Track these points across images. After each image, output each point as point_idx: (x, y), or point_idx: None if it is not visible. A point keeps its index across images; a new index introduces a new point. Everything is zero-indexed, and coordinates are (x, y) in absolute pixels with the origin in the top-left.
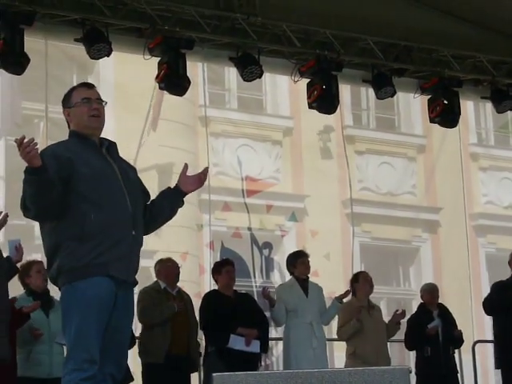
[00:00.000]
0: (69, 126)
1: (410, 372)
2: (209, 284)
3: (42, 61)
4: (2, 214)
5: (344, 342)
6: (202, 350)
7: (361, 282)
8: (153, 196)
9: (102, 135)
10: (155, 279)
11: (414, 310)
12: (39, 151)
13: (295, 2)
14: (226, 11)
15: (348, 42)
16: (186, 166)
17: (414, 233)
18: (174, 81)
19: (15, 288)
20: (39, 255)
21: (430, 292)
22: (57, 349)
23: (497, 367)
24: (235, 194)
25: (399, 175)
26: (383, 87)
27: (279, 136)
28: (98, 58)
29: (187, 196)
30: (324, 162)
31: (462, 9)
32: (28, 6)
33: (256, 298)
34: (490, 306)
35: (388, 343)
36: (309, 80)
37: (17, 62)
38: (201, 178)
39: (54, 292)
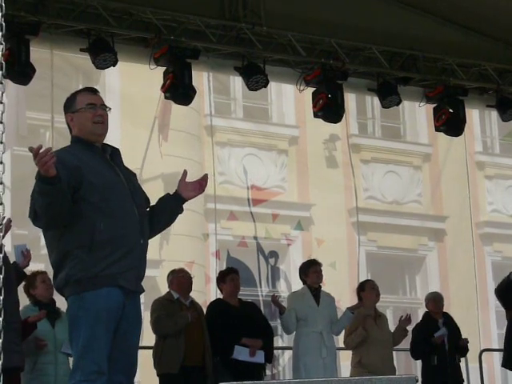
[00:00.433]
0: (70, 131)
1: (417, 381)
2: (215, 293)
3: (48, 71)
4: (5, 218)
5: (350, 351)
6: None
7: (367, 291)
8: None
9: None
10: (162, 288)
11: (420, 319)
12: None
13: (300, 11)
14: (231, 21)
15: (353, 50)
16: (185, 173)
17: (420, 241)
18: (179, 90)
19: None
20: (43, 265)
21: (435, 301)
22: (62, 359)
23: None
24: (241, 203)
25: (405, 184)
26: (388, 96)
27: (285, 145)
28: (103, 68)
29: (193, 205)
30: (330, 170)
31: (467, 18)
32: (34, 16)
33: (262, 307)
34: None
35: (394, 352)
36: (314, 89)
37: (22, 73)
38: (201, 184)
39: (60, 302)
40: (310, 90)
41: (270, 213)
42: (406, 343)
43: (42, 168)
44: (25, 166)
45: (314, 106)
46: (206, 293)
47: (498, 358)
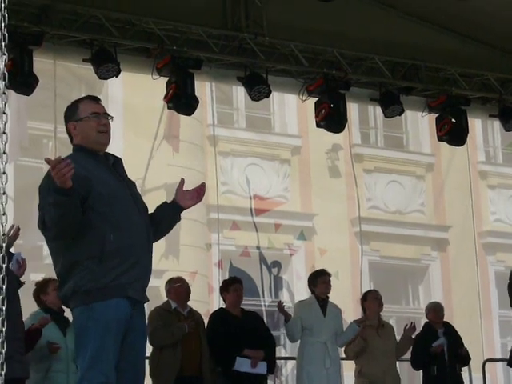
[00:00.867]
0: (72, 140)
1: None
2: (218, 303)
3: (51, 81)
4: (14, 226)
5: (353, 362)
6: None
7: (369, 301)
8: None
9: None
10: (164, 298)
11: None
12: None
13: (302, 21)
14: (233, 31)
15: (356, 60)
16: (182, 181)
17: (423, 251)
18: (182, 100)
19: (29, 305)
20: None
21: (436, 310)
22: (73, 368)
23: None
24: (244, 213)
25: (408, 193)
26: (391, 106)
27: (287, 155)
28: (106, 78)
29: (196, 215)
30: (332, 180)
31: (469, 27)
32: (37, 26)
33: (265, 317)
34: None
35: (398, 362)
36: (317, 99)
37: (26, 83)
38: (199, 192)
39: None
40: (313, 100)
41: (272, 223)
42: (409, 353)
43: (60, 179)
44: (27, 176)
45: (316, 116)
46: (208, 303)
47: (501, 367)
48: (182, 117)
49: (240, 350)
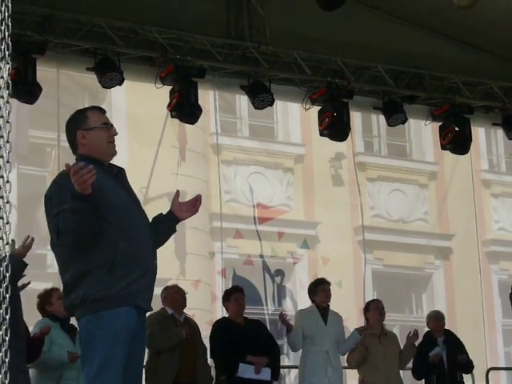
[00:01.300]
0: (75, 149)
1: None
2: (221, 312)
3: (54, 90)
4: (29, 238)
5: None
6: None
7: (371, 310)
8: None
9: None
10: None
11: None
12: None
13: (306, 30)
14: (237, 40)
15: (359, 69)
16: (177, 193)
17: (427, 260)
18: (185, 109)
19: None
20: (51, 284)
21: (437, 319)
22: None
23: None
24: (247, 222)
25: (411, 202)
26: (394, 114)
27: (291, 163)
28: (109, 87)
29: (199, 224)
30: (335, 189)
31: (473, 36)
32: (40, 35)
33: (268, 326)
34: None
35: (401, 371)
36: (320, 107)
37: (29, 92)
38: (194, 205)
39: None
40: (316, 109)
41: (275, 231)
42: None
43: (82, 185)
44: (30, 185)
45: (319, 125)
46: (211, 311)
47: (504, 376)
48: (186, 125)
49: (243, 357)
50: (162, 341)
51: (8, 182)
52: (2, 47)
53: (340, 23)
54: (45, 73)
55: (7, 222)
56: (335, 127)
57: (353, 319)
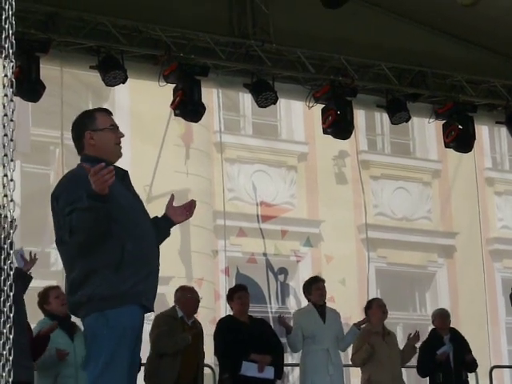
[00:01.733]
0: (81, 148)
1: None
2: (224, 310)
3: (58, 88)
4: (34, 254)
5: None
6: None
7: (374, 309)
8: None
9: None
10: (171, 305)
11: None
12: (57, 176)
13: (309, 28)
14: (240, 38)
15: (362, 67)
16: (172, 197)
17: (430, 258)
18: (189, 107)
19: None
20: (54, 282)
21: (442, 317)
22: (82, 373)
23: None
24: (250, 220)
25: (414, 200)
26: (398, 112)
27: (294, 161)
28: (113, 85)
29: (202, 222)
30: (339, 187)
31: (476, 34)
32: (44, 33)
33: (272, 324)
34: None
35: (404, 369)
36: (323, 105)
37: (33, 90)
38: (188, 210)
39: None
40: (319, 107)
41: (279, 229)
42: (416, 360)
43: (101, 186)
44: (34, 183)
45: (323, 123)
46: (215, 309)
47: (508, 374)
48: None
49: (247, 355)
50: (167, 345)
51: (12, 180)
52: (6, 45)
53: (343, 21)
54: (48, 71)
55: (11, 221)
56: (339, 125)
57: (356, 317)
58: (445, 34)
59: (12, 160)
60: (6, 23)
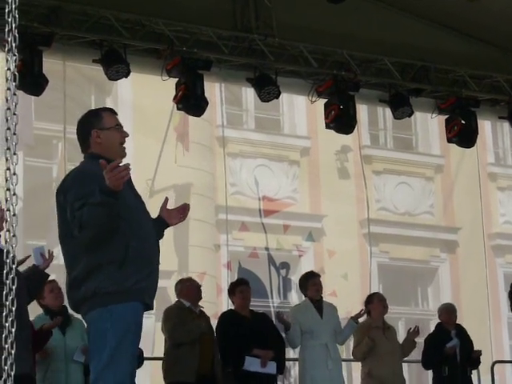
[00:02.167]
0: (86, 146)
1: None
2: (226, 304)
3: (61, 82)
4: (52, 252)
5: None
6: None
7: (375, 303)
8: None
9: None
10: (172, 299)
11: (432, 330)
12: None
13: (312, 22)
14: (243, 32)
15: (365, 62)
16: (166, 200)
17: (432, 253)
18: (191, 101)
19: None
20: (54, 275)
21: (448, 312)
22: (73, 367)
23: None
24: (252, 214)
25: (417, 195)
26: (400, 107)
27: (296, 156)
28: (116, 79)
29: (205, 216)
30: (341, 181)
31: (479, 29)
32: (46, 27)
33: (273, 319)
34: None
35: (405, 364)
36: (326, 100)
37: (35, 84)
38: (183, 212)
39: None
40: (322, 102)
41: (281, 224)
42: (417, 354)
43: (117, 182)
44: (37, 177)
45: (325, 117)
46: (217, 304)
47: (510, 369)
48: (191, 117)
49: (249, 350)
50: (183, 334)
51: (15, 173)
52: (9, 39)
53: (346, 16)
54: (51, 65)
55: (14, 214)
56: (341, 120)
57: (358, 312)
58: (448, 28)
59: (15, 153)
60: (8, 17)
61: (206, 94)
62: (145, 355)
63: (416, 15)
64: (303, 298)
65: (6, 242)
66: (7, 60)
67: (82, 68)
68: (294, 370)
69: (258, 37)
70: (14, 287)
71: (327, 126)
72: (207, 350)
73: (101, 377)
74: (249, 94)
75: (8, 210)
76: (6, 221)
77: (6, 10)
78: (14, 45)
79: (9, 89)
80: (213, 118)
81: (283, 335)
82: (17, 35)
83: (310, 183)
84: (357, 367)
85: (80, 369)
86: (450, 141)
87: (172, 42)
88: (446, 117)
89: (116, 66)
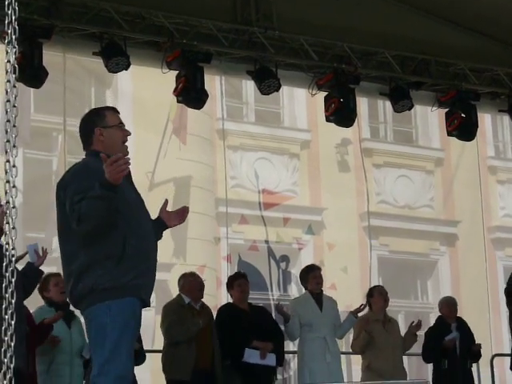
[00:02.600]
0: (89, 144)
1: None
2: (226, 297)
3: (61, 74)
4: (46, 249)
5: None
6: None
7: (375, 296)
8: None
9: None
10: (173, 292)
11: (432, 323)
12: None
13: (312, 15)
14: (243, 25)
15: (365, 55)
16: (166, 202)
17: (432, 246)
18: (191, 94)
19: (35, 300)
20: (55, 268)
21: (449, 305)
22: (77, 360)
23: None
24: (252, 207)
25: (417, 188)
26: (401, 100)
27: (297, 149)
28: (116, 72)
29: (205, 209)
30: (341, 174)
31: (479, 23)
32: (46, 19)
33: (273, 312)
34: None
35: (406, 357)
36: (326, 93)
37: (35, 76)
38: (182, 215)
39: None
40: (322, 94)
41: (281, 217)
42: (418, 348)
43: (117, 175)
44: (36, 169)
45: (326, 110)
46: (217, 297)
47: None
48: (191, 110)
49: (248, 343)
50: (180, 333)
51: (14, 166)
52: (9, 31)
53: (347, 9)
54: (51, 57)
55: (14, 207)
56: (341, 113)
57: (358, 305)
58: (448, 21)
59: (14, 146)
60: (8, 9)
61: (206, 87)
62: (145, 348)
63: (416, 8)
64: (303, 290)
65: (5, 234)
66: (7, 52)
67: (82, 60)
68: (293, 362)
69: (258, 29)
70: (13, 280)
71: (327, 119)
72: (206, 346)
73: (102, 371)
74: (249, 86)
75: (8, 202)
76: (6, 213)
77: (6, 2)
78: (13, 37)
79: (8, 81)
80: (213, 111)
81: (282, 327)
82: (17, 27)
83: (310, 176)
84: (356, 360)
85: (82, 362)
86: (450, 134)
87: (172, 34)
88: (446, 110)
89: (116, 59)
